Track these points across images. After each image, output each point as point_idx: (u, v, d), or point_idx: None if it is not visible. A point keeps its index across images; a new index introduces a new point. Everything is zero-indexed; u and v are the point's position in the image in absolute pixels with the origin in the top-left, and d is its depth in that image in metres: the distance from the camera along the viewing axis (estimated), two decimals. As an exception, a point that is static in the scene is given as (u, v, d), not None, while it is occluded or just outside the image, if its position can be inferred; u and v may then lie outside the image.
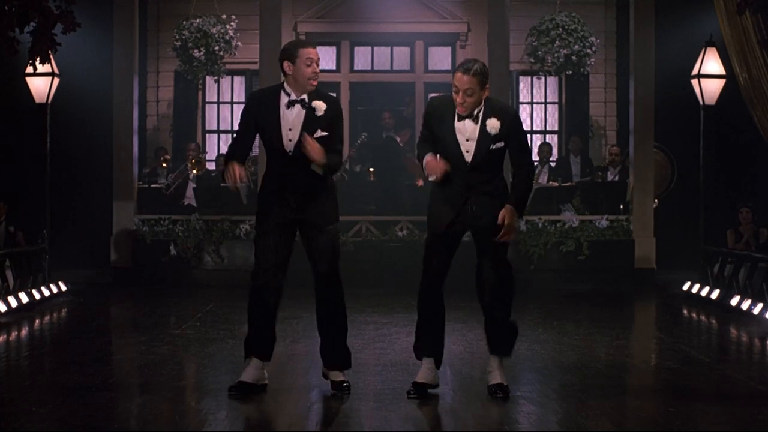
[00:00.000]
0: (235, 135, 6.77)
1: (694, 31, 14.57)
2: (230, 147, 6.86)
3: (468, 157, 6.43)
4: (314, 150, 6.36)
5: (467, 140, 6.43)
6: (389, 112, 15.31)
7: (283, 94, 6.53)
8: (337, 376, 6.67)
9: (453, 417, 6.12)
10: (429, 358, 6.66)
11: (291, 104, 6.50)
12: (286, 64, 6.52)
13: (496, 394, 6.49)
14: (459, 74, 6.42)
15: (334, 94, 13.29)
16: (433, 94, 17.95)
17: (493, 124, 6.41)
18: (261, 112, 6.55)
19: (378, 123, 15.48)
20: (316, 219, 6.51)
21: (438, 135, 6.53)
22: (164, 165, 15.19)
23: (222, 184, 14.61)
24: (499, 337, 6.62)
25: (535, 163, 14.60)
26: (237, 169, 6.41)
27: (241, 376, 6.57)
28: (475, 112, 6.45)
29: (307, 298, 7.20)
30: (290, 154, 6.47)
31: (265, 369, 6.64)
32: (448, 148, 6.47)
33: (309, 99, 6.51)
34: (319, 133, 6.46)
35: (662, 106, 14.37)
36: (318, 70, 6.51)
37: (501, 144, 6.44)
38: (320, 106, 6.50)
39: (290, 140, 6.46)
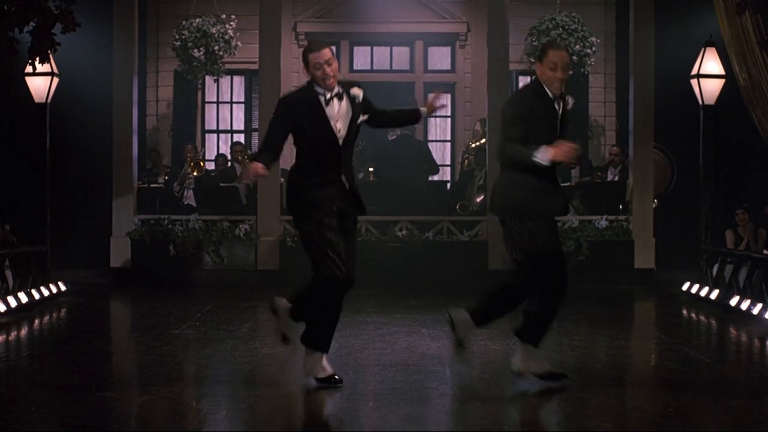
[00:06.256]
0: (266, 136, 6.68)
1: (694, 31, 14.54)
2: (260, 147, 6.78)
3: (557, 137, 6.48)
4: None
5: (557, 119, 6.50)
6: None
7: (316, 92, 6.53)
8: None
9: (453, 417, 6.12)
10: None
11: (328, 101, 6.52)
12: (303, 69, 6.65)
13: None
14: (557, 52, 6.43)
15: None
16: (432, 95, 17.98)
17: (570, 100, 6.54)
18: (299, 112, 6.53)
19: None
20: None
21: (539, 118, 6.38)
22: (150, 168, 15.19)
23: (222, 184, 14.63)
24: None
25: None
26: (257, 168, 6.41)
27: (329, 371, 6.65)
28: (563, 89, 6.48)
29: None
30: (340, 145, 6.56)
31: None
32: (547, 129, 6.41)
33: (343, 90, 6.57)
34: (362, 118, 6.61)
35: (662, 106, 14.35)
36: (327, 71, 6.46)
37: None
38: (357, 93, 6.61)
39: (339, 130, 6.57)
